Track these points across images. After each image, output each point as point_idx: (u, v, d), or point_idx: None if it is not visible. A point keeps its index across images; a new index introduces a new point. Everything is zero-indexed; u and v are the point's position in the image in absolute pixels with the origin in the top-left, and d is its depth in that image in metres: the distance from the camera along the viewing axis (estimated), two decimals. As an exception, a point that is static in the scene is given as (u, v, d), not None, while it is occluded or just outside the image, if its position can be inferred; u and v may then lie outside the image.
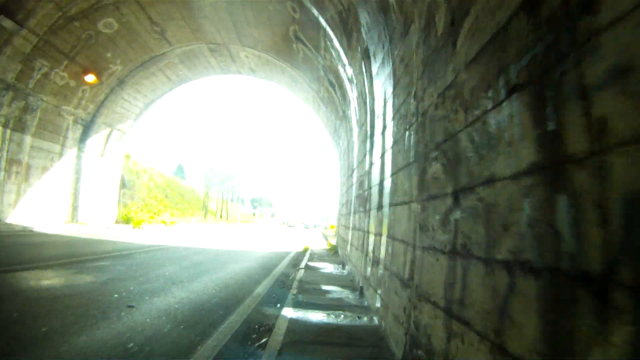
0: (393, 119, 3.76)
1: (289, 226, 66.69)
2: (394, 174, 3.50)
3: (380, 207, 4.08)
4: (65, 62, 12.02)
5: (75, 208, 14.25)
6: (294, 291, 4.81)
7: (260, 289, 5.20)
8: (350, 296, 4.86)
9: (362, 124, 6.33)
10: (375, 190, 4.54)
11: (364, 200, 5.62)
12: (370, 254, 4.43)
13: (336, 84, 8.93)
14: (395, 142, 3.58)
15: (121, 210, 17.84)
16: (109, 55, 12.73)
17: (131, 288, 4.78)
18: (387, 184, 3.76)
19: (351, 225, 7.39)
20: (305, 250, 12.19)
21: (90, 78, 12.84)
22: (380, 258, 3.77)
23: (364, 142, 5.99)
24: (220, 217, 47.88)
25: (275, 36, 11.09)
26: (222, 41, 12.87)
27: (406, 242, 2.78)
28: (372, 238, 4.47)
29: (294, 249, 13.70)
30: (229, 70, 15.08)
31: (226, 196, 53.27)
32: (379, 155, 4.41)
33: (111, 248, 8.87)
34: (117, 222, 16.53)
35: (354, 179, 7.32)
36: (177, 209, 33.80)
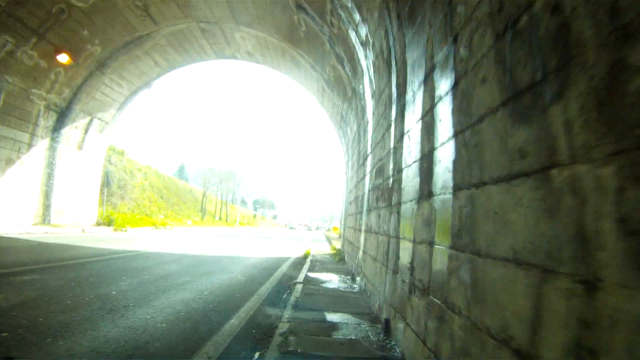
0: (455, 41, 2.14)
1: (290, 228, 64.98)
2: (464, 129, 1.87)
3: (426, 196, 2.44)
4: (34, 39, 10.48)
5: (47, 207, 12.67)
6: (283, 327, 3.16)
7: (236, 322, 3.55)
8: (369, 334, 3.22)
9: (381, 92, 4.71)
10: (410, 173, 2.91)
11: (386, 191, 3.98)
12: (406, 273, 2.78)
13: (345, 57, 7.33)
14: (464, 75, 1.95)
15: (105, 210, 16.26)
16: (85, 33, 11.18)
17: (40, 319, 3.17)
18: (445, 154, 2.13)
19: (363, 227, 5.75)
20: (306, 256, 10.53)
21: (63, 58, 11.29)
22: (433, 285, 2.13)
23: (384, 113, 4.37)
24: (220, 218, 46.15)
25: (273, 9, 9.51)
26: (214, 19, 11.31)
27: (544, 267, 1.14)
28: (407, 246, 2.83)
29: (294, 253, 12.05)
30: (224, 54, 13.51)
31: (226, 197, 51.60)
32: (419, 116, 2.79)
33: (68, 255, 7.26)
34: (97, 223, 14.93)
35: (368, 168, 5.69)
36: (173, 211, 32.25)
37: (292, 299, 4.42)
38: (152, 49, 12.82)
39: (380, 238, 4.06)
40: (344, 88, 8.49)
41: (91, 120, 13.89)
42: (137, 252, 8.80)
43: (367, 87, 6.01)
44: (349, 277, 6.62)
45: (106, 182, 16.41)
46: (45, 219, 12.66)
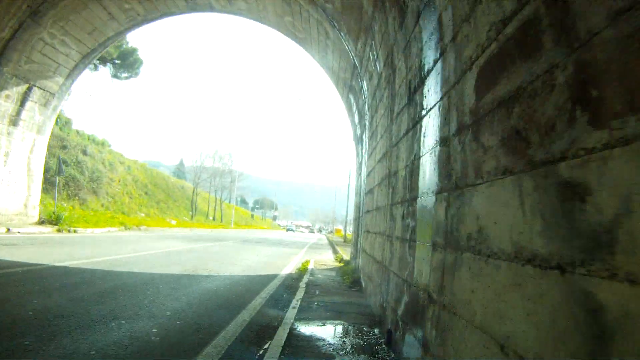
0: None
1: (288, 230, 60.65)
2: None
3: None
4: None
5: (-38, 199, 9.60)
6: None
7: None
8: None
9: None
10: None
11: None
12: None
13: None
14: None
15: (55, 204, 13.16)
16: (-1, -43, 8.11)
17: None
18: None
19: (428, 236, 2.60)
20: (302, 273, 7.39)
21: (-28, -5, 8.23)
22: None
23: None
24: (213, 219, 42.89)
25: None
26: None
27: None
28: None
29: (286, 267, 8.90)
30: (196, 3, 10.40)
31: (223, 195, 48.37)
32: None
33: None
34: (39, 221, 11.84)
35: (431, 98, 2.53)
36: (158, 208, 29.14)
37: None
38: (101, -9, 9.71)
39: None
40: (357, 13, 5.35)
41: (29, 89, 10.81)
42: (39, 266, 5.71)
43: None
44: (376, 331, 3.46)
45: (58, 171, 13.32)
46: (-41, 214, 9.60)
